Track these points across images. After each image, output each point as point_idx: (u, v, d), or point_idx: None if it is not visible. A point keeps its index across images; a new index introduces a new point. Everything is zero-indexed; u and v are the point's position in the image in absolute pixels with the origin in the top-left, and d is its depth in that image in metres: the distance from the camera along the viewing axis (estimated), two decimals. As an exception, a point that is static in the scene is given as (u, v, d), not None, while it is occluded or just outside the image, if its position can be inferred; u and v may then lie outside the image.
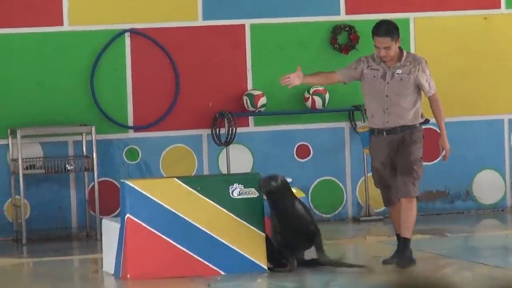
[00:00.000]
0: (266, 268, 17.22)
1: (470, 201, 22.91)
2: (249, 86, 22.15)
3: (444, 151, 16.31)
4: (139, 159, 21.60)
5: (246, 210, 17.39)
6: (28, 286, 17.95)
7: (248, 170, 21.72)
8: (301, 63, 19.41)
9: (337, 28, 22.40)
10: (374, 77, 15.47)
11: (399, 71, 15.41)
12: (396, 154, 15.74)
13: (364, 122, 16.96)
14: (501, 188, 23.06)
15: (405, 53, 15.73)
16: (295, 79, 16.02)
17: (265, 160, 22.20)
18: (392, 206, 15.97)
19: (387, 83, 15.41)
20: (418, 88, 15.69)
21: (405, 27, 22.31)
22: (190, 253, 16.98)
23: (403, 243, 15.97)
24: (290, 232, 16.12)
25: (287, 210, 16.14)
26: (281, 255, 16.41)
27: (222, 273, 17.11)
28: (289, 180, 17.92)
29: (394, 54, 15.48)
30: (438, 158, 20.80)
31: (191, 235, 17.10)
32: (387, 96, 15.45)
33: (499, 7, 23.25)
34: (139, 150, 21.51)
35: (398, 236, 16.16)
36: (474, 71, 22.78)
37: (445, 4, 22.81)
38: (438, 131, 16.35)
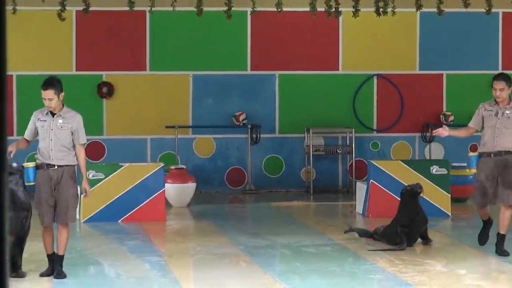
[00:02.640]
0: (449, 214, 17.49)
1: None
2: (444, 108, 21.28)
3: None
4: (379, 148, 21.22)
5: (439, 180, 17.68)
6: (313, 217, 18.28)
7: (441, 158, 20.67)
8: None
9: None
10: (489, 115, 13.95)
11: (507, 111, 13.92)
12: (500, 172, 13.94)
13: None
14: None
15: None
16: (443, 132, 14.48)
17: (451, 152, 20.67)
18: (484, 209, 14.16)
19: (498, 119, 13.87)
20: None
21: None
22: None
23: (501, 237, 14.06)
24: (412, 220, 14.76)
25: (415, 208, 14.94)
26: (398, 236, 14.57)
27: None
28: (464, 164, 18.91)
29: (505, 97, 13.97)
30: None
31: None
32: (497, 128, 13.88)
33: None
34: (379, 143, 21.25)
35: (486, 221, 14.32)
36: None
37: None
38: None
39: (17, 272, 12.03)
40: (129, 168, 16.87)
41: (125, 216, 16.56)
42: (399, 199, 15.33)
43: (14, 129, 18.88)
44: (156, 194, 16.90)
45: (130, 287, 12.12)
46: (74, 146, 12.21)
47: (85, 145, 12.48)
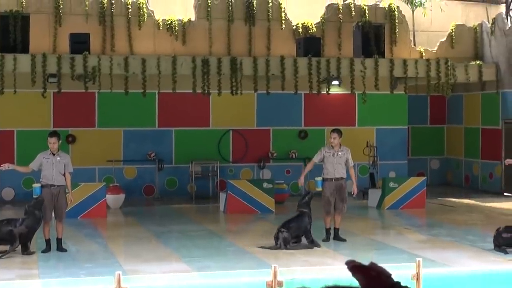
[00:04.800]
0: (273, 210, 16.85)
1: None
2: (270, 149, 20.75)
3: (354, 190, 13.59)
4: (233, 172, 20.45)
5: (267, 191, 17.13)
6: (194, 214, 17.52)
7: (269, 178, 20.03)
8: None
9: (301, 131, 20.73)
10: (329, 155, 13.13)
11: (340, 153, 13.18)
12: (338, 190, 13.18)
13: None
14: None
15: (342, 146, 13.34)
16: (301, 181, 13.83)
17: (275, 174, 20.44)
18: (329, 216, 13.26)
19: (334, 157, 13.12)
20: (346, 161, 13.24)
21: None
22: (248, 205, 16.99)
23: (337, 230, 13.33)
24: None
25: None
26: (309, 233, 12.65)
27: (259, 212, 16.91)
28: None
29: (338, 143, 13.26)
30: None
31: (249, 200, 17.07)
32: (335, 163, 13.13)
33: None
34: (233, 169, 20.56)
35: (328, 229, 13.31)
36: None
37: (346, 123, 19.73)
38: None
39: (28, 251, 11.96)
40: (84, 186, 16.65)
41: (82, 214, 16.22)
42: (303, 207, 12.81)
43: (15, 162, 18.41)
44: (101, 201, 16.61)
45: (84, 257, 11.97)
46: (64, 174, 12.37)
47: (71, 173, 12.61)
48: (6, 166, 12.47)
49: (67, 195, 12.48)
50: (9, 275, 10.06)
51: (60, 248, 12.36)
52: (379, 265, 0.87)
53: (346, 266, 0.90)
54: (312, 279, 9.36)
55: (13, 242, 11.76)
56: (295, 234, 12.63)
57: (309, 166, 13.86)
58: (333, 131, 13.55)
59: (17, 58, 17.41)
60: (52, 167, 12.26)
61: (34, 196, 12.22)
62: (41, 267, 11.09)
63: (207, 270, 10.42)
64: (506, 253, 11.99)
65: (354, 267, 0.88)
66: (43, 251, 12.20)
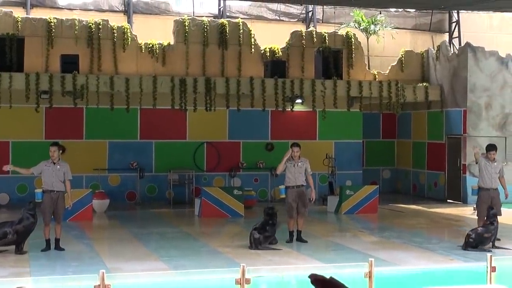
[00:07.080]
0: (242, 214, 16.70)
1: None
2: (241, 159, 20.69)
3: (312, 196, 13.07)
4: (207, 180, 20.25)
5: (238, 197, 16.98)
6: (172, 217, 17.20)
7: (239, 185, 19.47)
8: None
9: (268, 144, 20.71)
10: (290, 166, 12.89)
11: (300, 163, 12.95)
12: (299, 196, 13.02)
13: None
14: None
15: (301, 157, 13.06)
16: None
17: (244, 183, 20.10)
18: (292, 219, 13.09)
19: (295, 167, 12.99)
20: (305, 170, 13.01)
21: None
22: (220, 210, 16.86)
23: (300, 233, 13.16)
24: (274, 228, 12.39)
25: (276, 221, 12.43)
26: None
27: (230, 216, 16.79)
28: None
29: (299, 155, 13.01)
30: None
31: (221, 205, 16.93)
32: (295, 172, 12.96)
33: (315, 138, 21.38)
34: (207, 177, 20.30)
35: (291, 232, 13.18)
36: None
37: (308, 137, 20.32)
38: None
39: (20, 251, 11.78)
40: (73, 192, 16.18)
41: (70, 217, 15.98)
42: (268, 216, 12.53)
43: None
44: (87, 206, 16.48)
45: (72, 256, 11.76)
46: (64, 180, 12.24)
47: (71, 180, 12.42)
48: (8, 167, 12.38)
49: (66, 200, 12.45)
50: (2, 272, 9.89)
51: (58, 247, 12.21)
52: (337, 279, 0.88)
53: (309, 279, 0.90)
54: (276, 277, 9.40)
55: (10, 238, 11.74)
56: (267, 235, 12.45)
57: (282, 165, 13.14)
58: (295, 145, 13.32)
59: (12, 76, 17.28)
60: (53, 174, 12.12)
61: (36, 200, 12.19)
62: (32, 265, 10.90)
63: (182, 269, 10.33)
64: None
65: (316, 280, 0.89)
66: (42, 250, 12.04)
